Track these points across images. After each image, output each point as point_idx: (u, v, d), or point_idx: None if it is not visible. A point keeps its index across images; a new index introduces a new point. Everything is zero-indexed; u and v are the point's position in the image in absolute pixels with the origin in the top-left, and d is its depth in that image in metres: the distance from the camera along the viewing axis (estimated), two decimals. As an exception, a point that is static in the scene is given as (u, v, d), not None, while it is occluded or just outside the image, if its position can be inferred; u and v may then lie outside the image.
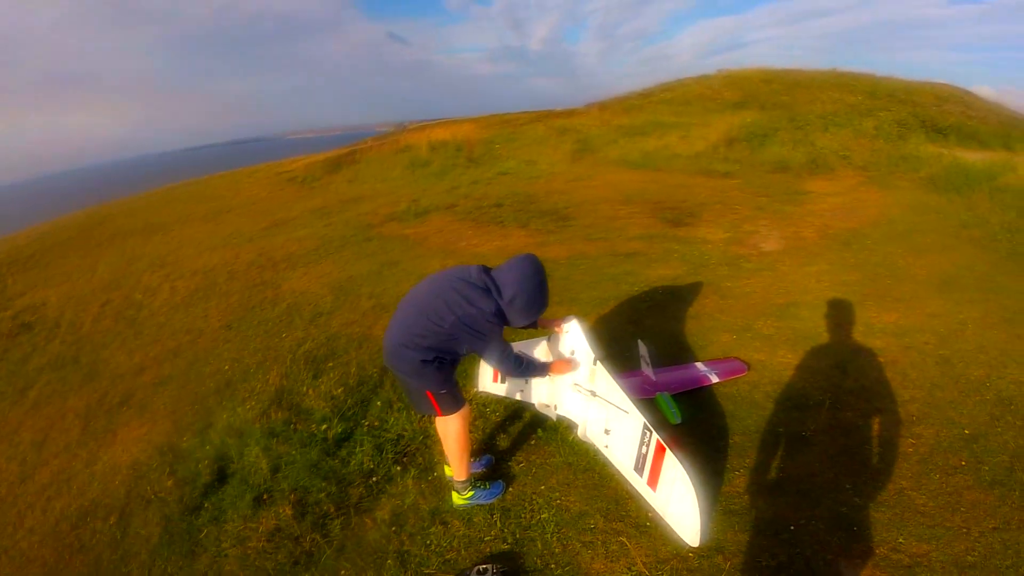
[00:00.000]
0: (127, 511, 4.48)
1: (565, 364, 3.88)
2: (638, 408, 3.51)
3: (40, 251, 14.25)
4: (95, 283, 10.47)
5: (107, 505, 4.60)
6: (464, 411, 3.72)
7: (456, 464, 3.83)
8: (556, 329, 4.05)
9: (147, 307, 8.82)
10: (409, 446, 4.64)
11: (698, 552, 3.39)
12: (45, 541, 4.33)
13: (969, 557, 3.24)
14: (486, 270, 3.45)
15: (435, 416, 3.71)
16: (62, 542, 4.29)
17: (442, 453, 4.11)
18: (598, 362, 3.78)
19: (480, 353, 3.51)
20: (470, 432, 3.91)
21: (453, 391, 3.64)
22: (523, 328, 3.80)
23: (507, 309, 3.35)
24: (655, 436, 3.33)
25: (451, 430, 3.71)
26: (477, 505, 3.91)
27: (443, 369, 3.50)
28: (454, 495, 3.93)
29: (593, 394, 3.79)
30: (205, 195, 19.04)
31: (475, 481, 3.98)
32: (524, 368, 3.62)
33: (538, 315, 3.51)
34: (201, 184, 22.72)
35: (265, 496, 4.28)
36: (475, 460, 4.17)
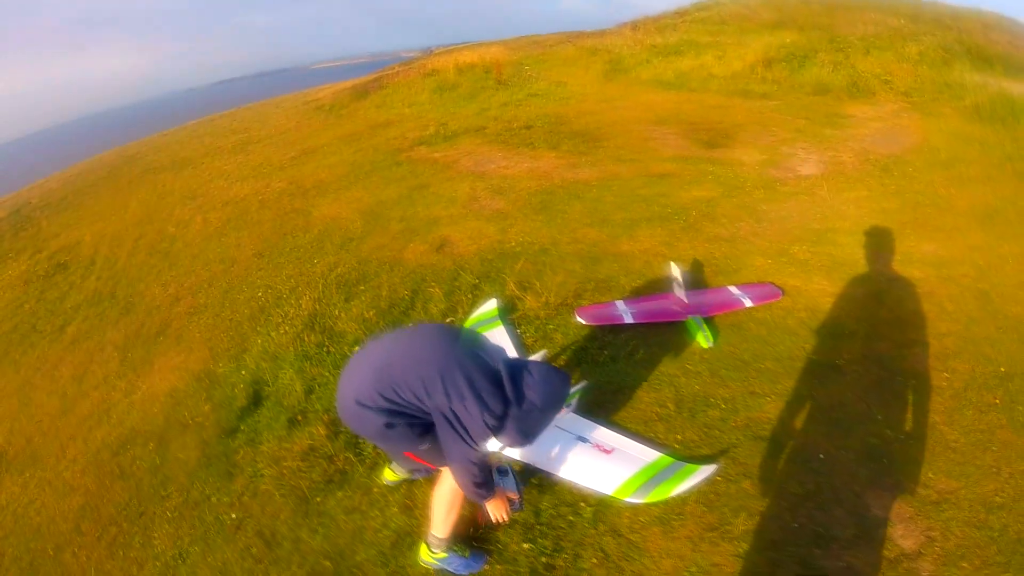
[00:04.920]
0: (166, 437, 4.61)
1: (503, 503, 3.05)
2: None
3: (72, 193, 14.25)
4: (128, 219, 10.52)
5: (146, 432, 4.73)
6: None
7: (441, 518, 3.03)
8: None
9: (180, 239, 8.88)
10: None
11: (726, 476, 3.45)
12: (87, 470, 4.48)
13: (997, 498, 3.24)
14: (510, 362, 2.79)
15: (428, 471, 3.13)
16: (103, 470, 4.43)
17: None
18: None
19: (448, 455, 2.75)
20: None
21: (436, 442, 2.80)
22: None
23: (513, 418, 2.66)
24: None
25: (446, 479, 2.97)
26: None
27: (415, 427, 2.76)
28: (423, 548, 3.17)
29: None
30: (233, 128, 18.83)
31: (453, 542, 3.14)
32: (479, 490, 2.82)
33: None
34: (228, 117, 22.49)
35: (299, 417, 4.39)
36: (471, 555, 3.19)
